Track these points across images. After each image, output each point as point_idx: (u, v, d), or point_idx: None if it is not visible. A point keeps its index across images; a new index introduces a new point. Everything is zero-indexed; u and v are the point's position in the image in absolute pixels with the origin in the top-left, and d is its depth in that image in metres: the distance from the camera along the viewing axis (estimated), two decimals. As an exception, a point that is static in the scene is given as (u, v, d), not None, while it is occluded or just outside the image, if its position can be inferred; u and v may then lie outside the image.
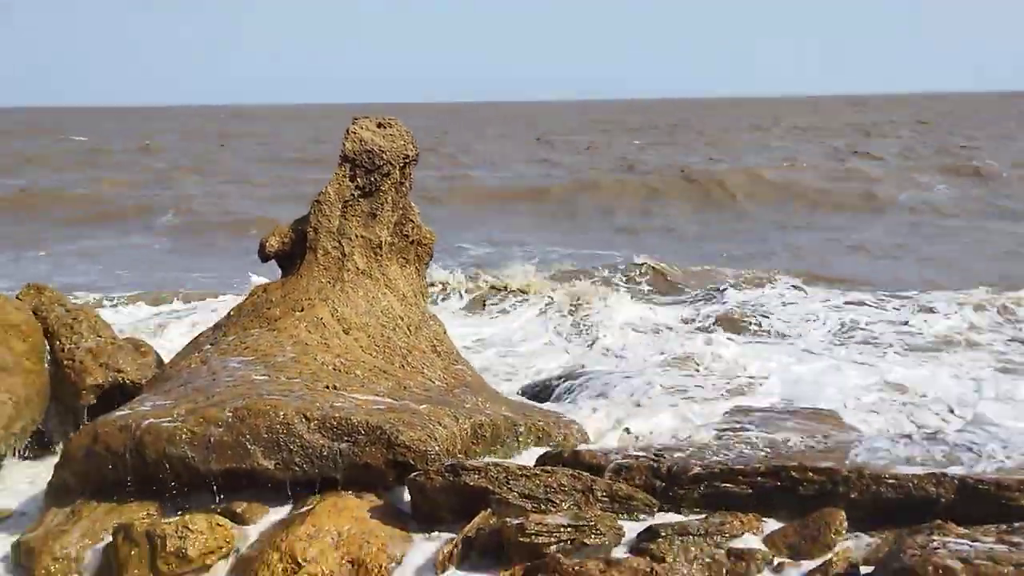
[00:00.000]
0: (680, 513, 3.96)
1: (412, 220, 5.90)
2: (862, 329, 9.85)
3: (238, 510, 4.04)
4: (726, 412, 5.97)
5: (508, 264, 13.36)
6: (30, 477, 5.03)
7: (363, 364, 5.00)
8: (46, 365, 5.55)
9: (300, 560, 3.69)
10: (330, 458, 4.04)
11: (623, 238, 17.72)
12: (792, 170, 27.90)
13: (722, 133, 50.36)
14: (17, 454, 5.27)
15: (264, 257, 5.71)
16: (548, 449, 4.69)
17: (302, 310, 5.27)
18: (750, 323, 10.21)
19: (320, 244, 5.53)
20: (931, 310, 10.56)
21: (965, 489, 3.74)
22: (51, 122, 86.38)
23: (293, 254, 5.67)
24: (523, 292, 11.81)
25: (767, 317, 10.42)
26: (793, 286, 12.14)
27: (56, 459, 4.44)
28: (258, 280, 8.10)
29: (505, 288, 12.04)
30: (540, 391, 6.97)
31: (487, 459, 4.29)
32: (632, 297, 11.51)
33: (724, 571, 3.50)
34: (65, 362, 5.56)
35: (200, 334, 5.56)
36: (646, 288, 12.60)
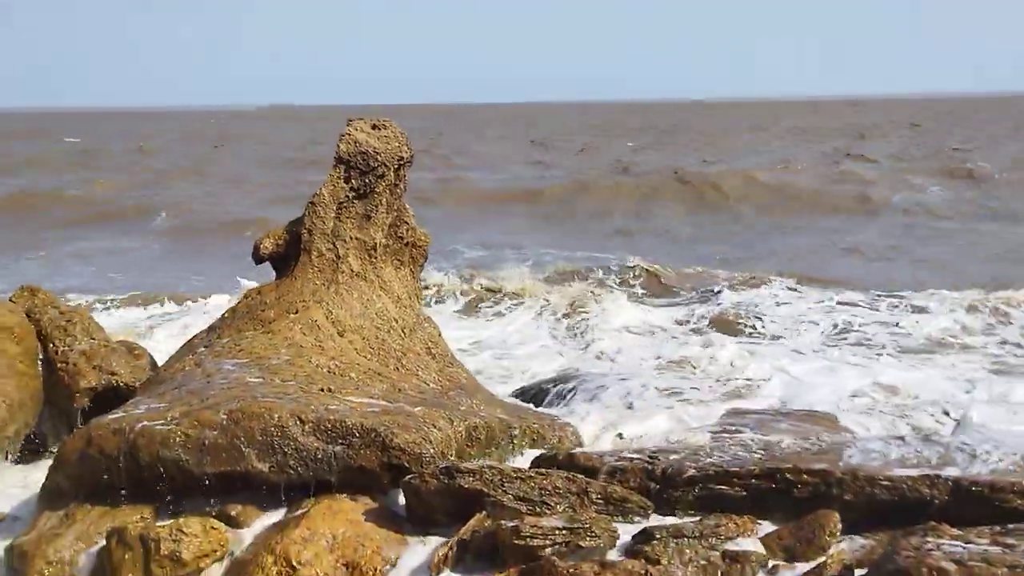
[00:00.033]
0: (675, 515, 3.96)
1: (407, 222, 5.89)
2: (856, 331, 9.89)
3: (232, 513, 4.03)
4: (721, 414, 5.97)
5: (503, 266, 13.38)
6: (23, 481, 5.00)
7: (358, 366, 4.99)
8: (39, 368, 5.53)
9: (295, 563, 3.68)
10: (325, 461, 4.03)
11: (617, 240, 17.75)
12: (786, 172, 27.98)
13: (717, 135, 50.47)
14: (10, 457, 5.25)
15: (258, 259, 5.70)
16: (543, 451, 4.69)
17: (296, 312, 5.27)
18: (744, 325, 10.24)
19: (314, 246, 5.52)
20: (924, 310, 10.61)
21: (959, 491, 3.75)
22: (46, 124, 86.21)
23: (287, 256, 5.66)
24: (518, 295, 11.82)
25: (761, 319, 10.45)
26: (788, 287, 12.18)
27: (49, 462, 4.42)
28: (247, 285, 8.09)
29: (500, 291, 12.05)
30: (535, 394, 6.97)
31: (482, 462, 4.28)
32: (627, 299, 11.53)
33: (719, 573, 3.50)
34: (59, 365, 5.54)
35: (194, 336, 5.55)
36: (640, 290, 12.63)
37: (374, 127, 5.64)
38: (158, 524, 3.89)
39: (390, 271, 5.82)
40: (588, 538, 3.54)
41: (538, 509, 3.76)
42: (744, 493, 3.97)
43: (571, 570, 3.33)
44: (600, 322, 10.30)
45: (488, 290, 12.09)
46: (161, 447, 4.02)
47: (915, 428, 6.15)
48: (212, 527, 3.85)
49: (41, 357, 5.57)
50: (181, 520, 3.85)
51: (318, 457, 4.03)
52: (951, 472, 3.85)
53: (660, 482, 4.08)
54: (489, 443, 4.67)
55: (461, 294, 12.01)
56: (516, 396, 6.95)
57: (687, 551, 3.52)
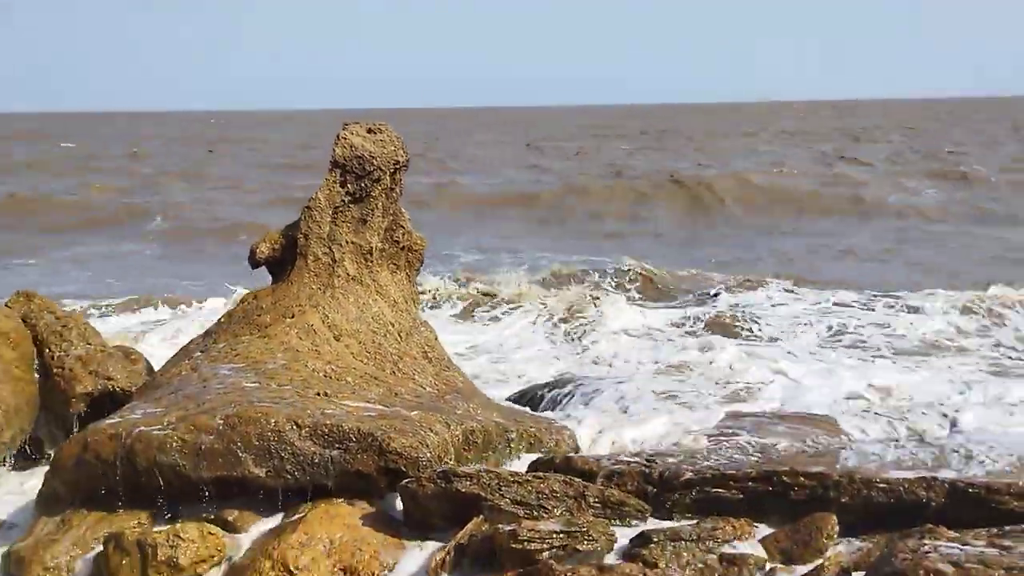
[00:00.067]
0: (672, 519, 3.97)
1: (403, 226, 5.89)
2: (852, 333, 9.90)
3: (229, 518, 4.02)
4: (718, 417, 5.99)
5: (499, 270, 13.38)
6: (20, 487, 4.99)
7: (354, 371, 4.99)
8: (35, 373, 5.52)
9: (292, 568, 3.68)
10: (321, 465, 4.03)
11: (613, 243, 17.76)
12: (781, 175, 28.04)
13: (713, 138, 50.57)
14: (6, 464, 5.24)
15: (254, 263, 5.69)
16: (540, 455, 4.69)
17: (293, 317, 5.26)
18: (741, 328, 10.25)
19: (310, 250, 5.52)
20: (919, 311, 10.65)
21: (955, 493, 3.76)
22: (44, 126, 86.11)
23: (283, 260, 5.66)
24: (514, 298, 11.82)
25: (757, 321, 10.46)
26: (785, 289, 12.20)
27: (46, 468, 4.41)
28: (241, 292, 8.08)
29: (496, 295, 12.05)
30: (532, 397, 6.97)
31: (479, 466, 4.28)
32: (622, 302, 11.53)
33: (716, 576, 3.51)
34: (55, 370, 5.52)
35: (191, 341, 5.54)
36: (635, 293, 12.63)
37: (369, 131, 5.64)
38: (155, 529, 3.89)
39: (386, 275, 5.82)
40: (585, 542, 3.54)
41: (535, 513, 3.76)
42: (741, 496, 3.98)
43: (569, 574, 3.33)
44: (596, 325, 10.30)
45: (484, 294, 12.09)
46: (158, 452, 4.01)
47: (912, 430, 6.17)
48: (209, 532, 3.85)
49: (37, 362, 5.56)
50: (178, 525, 3.85)
51: (315, 462, 4.02)
52: (947, 474, 3.86)
53: (657, 485, 4.09)
54: (486, 447, 4.67)
55: (458, 299, 12.00)
56: (513, 400, 6.95)
57: (684, 554, 3.53)
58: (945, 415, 6.56)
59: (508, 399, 6.95)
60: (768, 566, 3.57)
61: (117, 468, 4.04)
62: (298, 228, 5.56)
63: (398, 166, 5.68)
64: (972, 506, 3.70)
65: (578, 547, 3.52)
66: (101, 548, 3.87)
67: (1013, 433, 5.28)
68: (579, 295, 11.66)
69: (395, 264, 5.91)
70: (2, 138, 60.18)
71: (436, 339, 5.89)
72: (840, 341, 9.62)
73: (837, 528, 3.70)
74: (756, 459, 4.21)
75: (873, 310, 10.90)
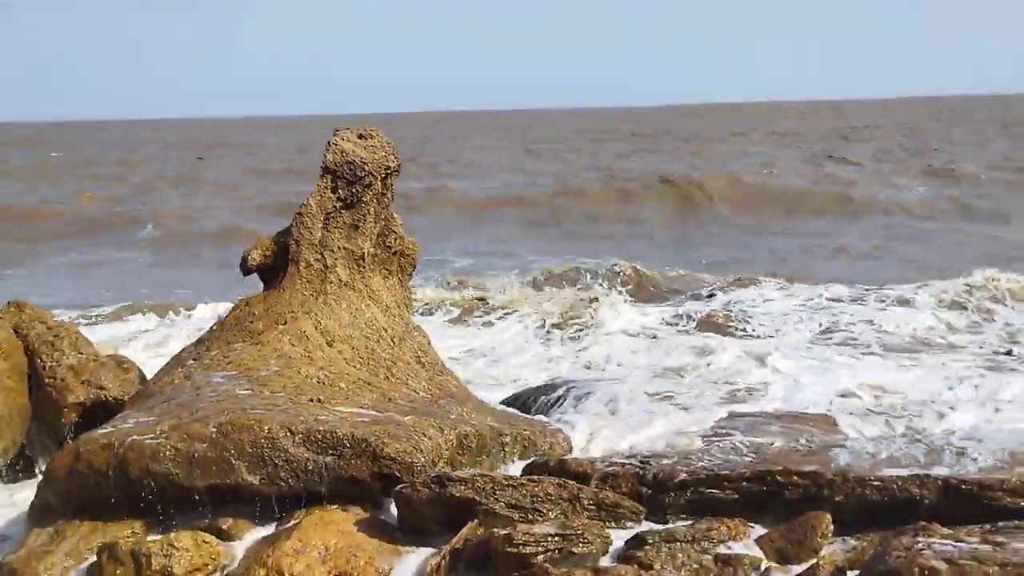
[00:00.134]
0: (667, 520, 3.97)
1: (394, 231, 5.89)
2: (843, 330, 9.94)
3: (224, 526, 4.01)
4: (712, 417, 6.00)
5: (492, 274, 13.38)
6: (11, 499, 4.97)
7: (347, 376, 4.98)
8: (27, 384, 5.50)
9: (287, 575, 3.67)
10: (315, 472, 4.02)
11: (606, 245, 17.78)
12: (772, 176, 28.11)
13: (707, 140, 50.66)
14: (-1, 475, 5.22)
15: (246, 270, 5.68)
16: (534, 458, 4.69)
17: (285, 323, 5.25)
18: (735, 327, 10.27)
19: (302, 256, 5.51)
20: (910, 303, 10.71)
21: (948, 490, 3.77)
22: (41, 134, 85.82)
23: (275, 267, 5.65)
24: (508, 302, 11.82)
25: (750, 321, 10.48)
26: (778, 287, 12.23)
27: (38, 479, 4.39)
28: (225, 306, 8.05)
29: (489, 299, 12.05)
30: (525, 400, 6.97)
31: (473, 470, 4.28)
32: (617, 303, 11.54)
33: (711, 577, 3.51)
34: (47, 380, 5.50)
35: (183, 349, 5.52)
36: (628, 294, 12.64)
37: (360, 136, 5.64)
38: (149, 539, 3.87)
39: (378, 280, 5.81)
40: (581, 544, 3.54)
41: (530, 516, 3.76)
42: (735, 496, 3.98)
43: (564, 577, 3.33)
44: (590, 327, 10.31)
45: (478, 299, 12.09)
46: (151, 461, 4.00)
47: (904, 427, 6.19)
48: (203, 541, 3.84)
49: (29, 373, 5.53)
50: (172, 534, 3.84)
51: (309, 468, 4.02)
52: (940, 471, 3.87)
53: (652, 487, 4.09)
54: (480, 451, 4.67)
55: (451, 303, 12.00)
56: (507, 403, 6.94)
57: (680, 556, 3.53)
58: (938, 411, 6.59)
59: (502, 403, 6.95)
60: (763, 566, 3.58)
61: (110, 478, 4.02)
62: (290, 234, 5.55)
63: (389, 171, 5.67)
64: (965, 503, 3.71)
65: (573, 550, 3.53)
66: (95, 558, 3.85)
67: (1005, 429, 5.29)
68: (572, 297, 11.66)
69: (387, 269, 5.91)
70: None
71: (429, 344, 5.89)
72: (833, 339, 9.65)
73: (831, 527, 3.71)
74: (750, 459, 4.21)
75: (865, 303, 10.95)
